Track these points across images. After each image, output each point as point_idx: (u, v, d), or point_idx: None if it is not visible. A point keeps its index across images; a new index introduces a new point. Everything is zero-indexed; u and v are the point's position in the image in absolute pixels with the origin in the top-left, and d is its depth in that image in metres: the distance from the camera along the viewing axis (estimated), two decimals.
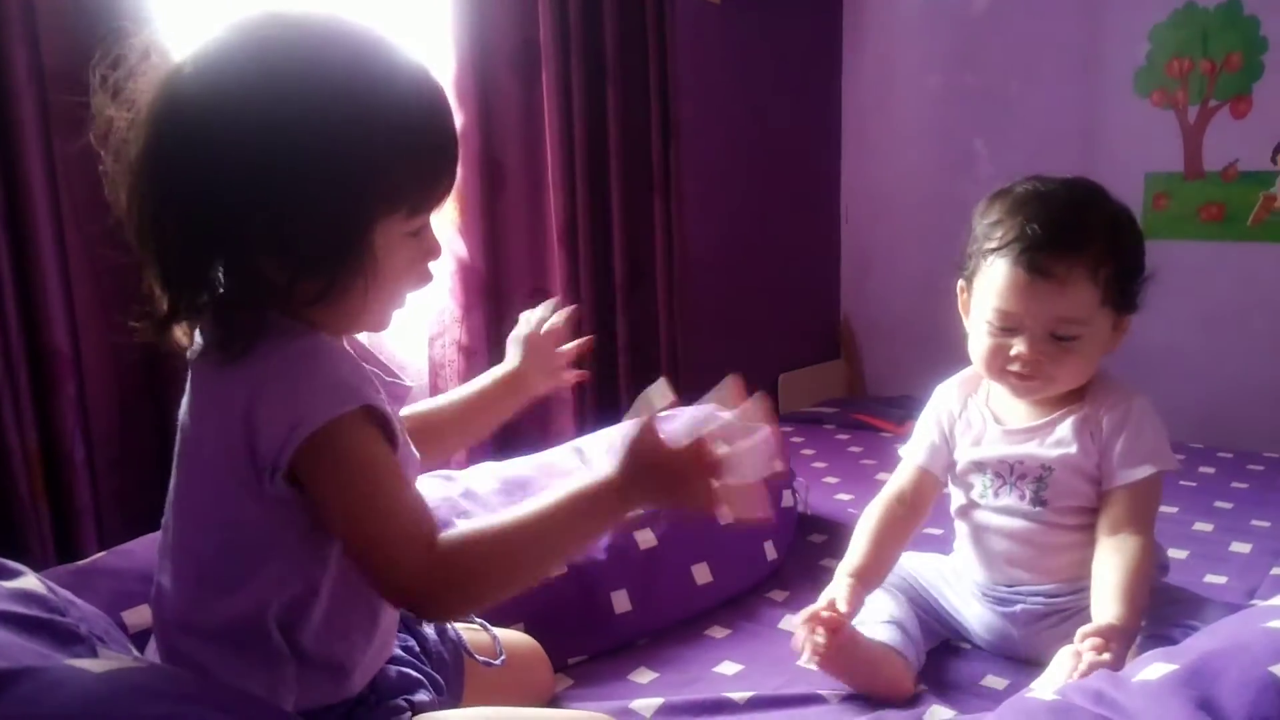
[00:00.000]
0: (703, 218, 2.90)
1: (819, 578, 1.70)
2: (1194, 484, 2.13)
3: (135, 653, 1.03)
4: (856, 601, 1.33)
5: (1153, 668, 0.98)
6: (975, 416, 1.47)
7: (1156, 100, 3.00)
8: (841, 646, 1.29)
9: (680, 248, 2.64)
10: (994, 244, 1.34)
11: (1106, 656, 1.14)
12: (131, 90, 0.90)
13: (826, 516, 1.96)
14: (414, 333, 2.20)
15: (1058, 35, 3.13)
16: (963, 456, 1.47)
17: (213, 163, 0.85)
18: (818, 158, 3.52)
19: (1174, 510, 1.94)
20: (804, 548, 1.82)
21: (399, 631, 1.18)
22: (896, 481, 1.51)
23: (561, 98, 2.31)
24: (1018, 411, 1.44)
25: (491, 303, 2.27)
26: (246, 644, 0.92)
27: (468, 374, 2.24)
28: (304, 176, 0.85)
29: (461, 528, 0.92)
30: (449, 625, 1.24)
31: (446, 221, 2.18)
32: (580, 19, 2.33)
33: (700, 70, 2.89)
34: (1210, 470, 2.25)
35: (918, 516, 1.48)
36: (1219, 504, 2.02)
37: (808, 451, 2.42)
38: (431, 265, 0.99)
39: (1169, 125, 3.00)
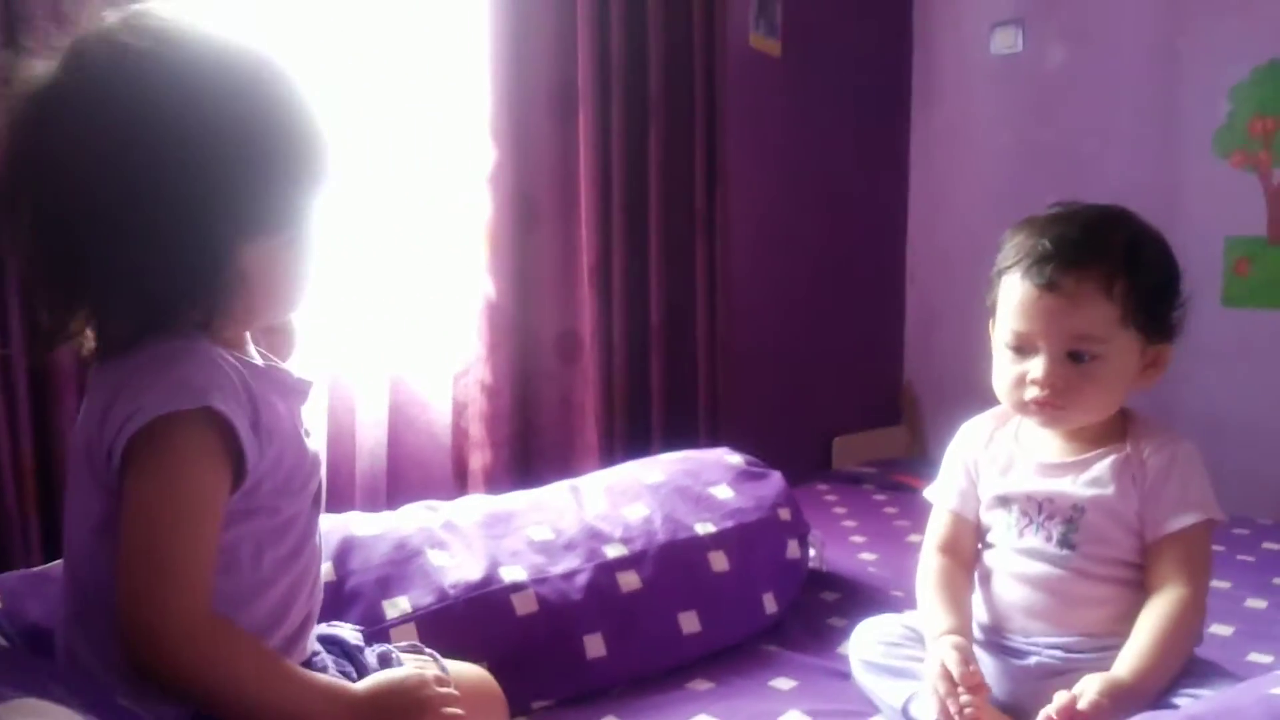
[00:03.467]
0: (756, 270, 2.84)
1: (824, 636, 1.61)
2: (1252, 558, 1.97)
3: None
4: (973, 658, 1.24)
5: None
6: (1002, 450, 1.38)
7: (1237, 161, 2.85)
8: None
9: (725, 296, 2.58)
10: (1008, 262, 1.29)
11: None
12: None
13: (845, 575, 1.85)
14: (438, 370, 2.16)
15: (1134, 93, 3.00)
16: (987, 491, 1.38)
17: (70, 198, 0.85)
18: (883, 215, 3.43)
19: (1226, 585, 1.78)
20: (814, 604, 1.71)
21: (338, 657, 1.13)
22: (935, 532, 1.43)
23: (599, 137, 2.28)
24: (1050, 447, 1.35)
25: (517, 342, 2.23)
26: (116, 641, 0.88)
27: (491, 416, 2.19)
28: (154, 213, 0.84)
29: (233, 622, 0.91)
30: (394, 654, 1.18)
31: (476, 260, 2.15)
32: (623, 60, 2.31)
33: (759, 120, 2.85)
34: (1275, 546, 2.08)
35: (966, 564, 1.40)
36: (1278, 581, 1.85)
37: (839, 510, 2.31)
38: (335, 246, 0.98)
39: (1251, 187, 2.84)
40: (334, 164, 0.95)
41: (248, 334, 0.99)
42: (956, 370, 3.38)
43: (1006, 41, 3.25)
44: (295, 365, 1.06)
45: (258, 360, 0.98)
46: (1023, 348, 1.28)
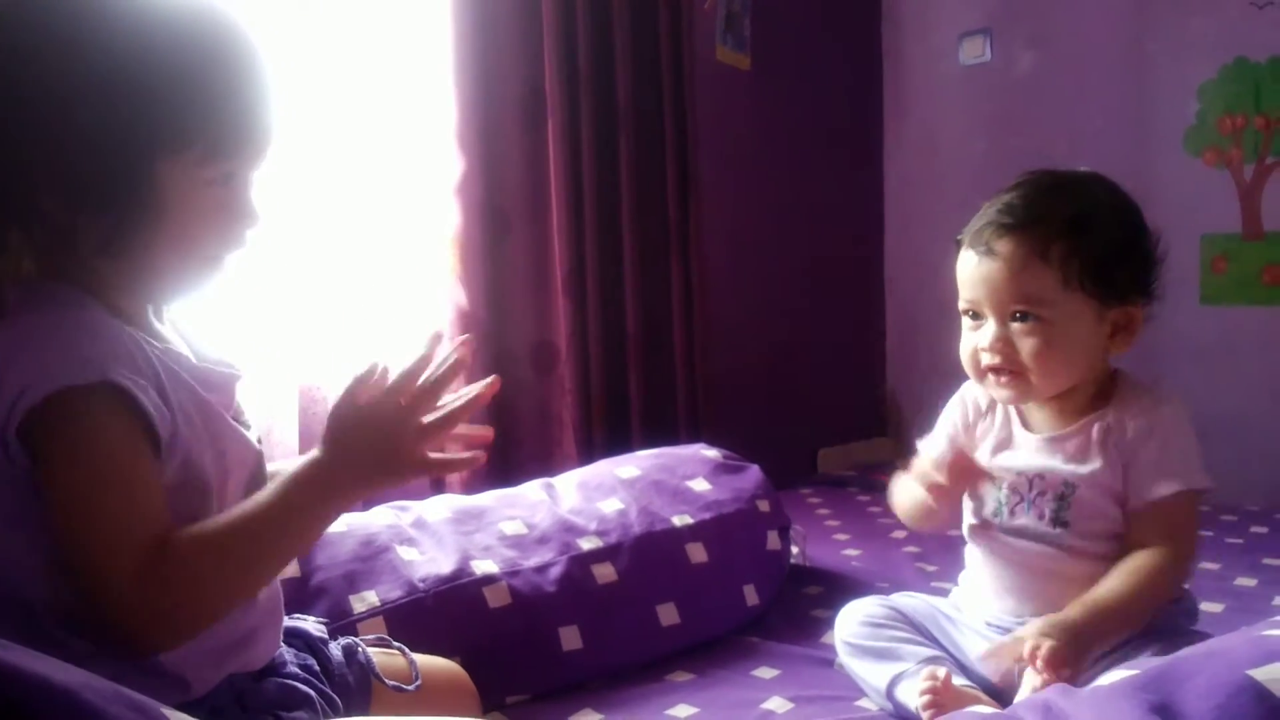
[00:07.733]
0: (734, 283, 2.82)
1: (808, 628, 1.57)
2: (1240, 541, 1.94)
3: None
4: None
5: (1111, 673, 0.83)
6: (1000, 418, 1.36)
7: (1209, 159, 2.86)
8: (953, 692, 1.19)
9: (702, 307, 2.56)
10: (961, 233, 1.30)
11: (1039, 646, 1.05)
12: None
13: (829, 569, 1.81)
14: None
15: (1104, 96, 3.02)
16: (980, 461, 1.34)
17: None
18: (860, 226, 3.43)
19: (1216, 566, 1.75)
20: (796, 598, 1.67)
21: (300, 651, 1.08)
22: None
23: (569, 146, 2.26)
24: (1042, 416, 1.33)
25: (492, 353, 2.20)
26: (30, 638, 0.81)
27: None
28: (76, 103, 0.82)
29: (186, 530, 0.85)
30: (359, 647, 1.13)
31: (445, 269, 2.13)
32: (590, 69, 2.30)
33: (731, 132, 2.84)
34: (1263, 530, 2.05)
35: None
36: (1268, 560, 1.82)
37: (823, 511, 2.28)
38: (247, 231, 0.93)
39: (1224, 184, 2.85)
40: (274, 128, 0.92)
41: (149, 311, 0.94)
42: (939, 379, 3.35)
43: (975, 51, 3.26)
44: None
45: (168, 341, 0.93)
46: (974, 315, 1.28)
